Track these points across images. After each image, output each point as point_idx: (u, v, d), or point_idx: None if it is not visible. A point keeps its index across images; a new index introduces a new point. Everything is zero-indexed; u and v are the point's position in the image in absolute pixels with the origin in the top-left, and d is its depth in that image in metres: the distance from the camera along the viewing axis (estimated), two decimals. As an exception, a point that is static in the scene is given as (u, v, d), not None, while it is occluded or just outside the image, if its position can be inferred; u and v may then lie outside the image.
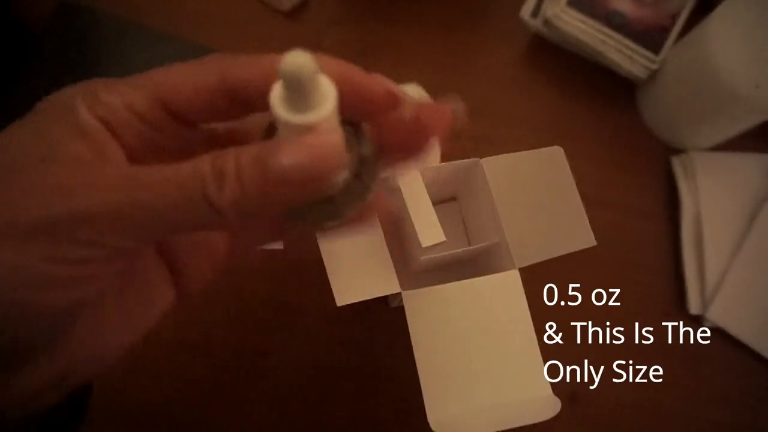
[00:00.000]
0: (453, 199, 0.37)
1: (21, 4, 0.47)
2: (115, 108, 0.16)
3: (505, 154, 0.27)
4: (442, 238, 0.27)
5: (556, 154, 0.27)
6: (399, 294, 0.26)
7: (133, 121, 0.16)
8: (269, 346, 0.38)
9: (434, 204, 0.27)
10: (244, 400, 0.38)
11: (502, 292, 0.26)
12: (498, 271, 0.27)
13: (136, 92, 0.16)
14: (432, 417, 0.24)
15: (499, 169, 0.27)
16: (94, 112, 0.16)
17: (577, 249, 0.26)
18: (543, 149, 0.27)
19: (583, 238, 0.26)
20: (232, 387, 0.38)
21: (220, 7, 0.47)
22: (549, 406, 0.25)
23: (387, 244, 0.26)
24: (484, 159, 0.27)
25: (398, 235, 0.29)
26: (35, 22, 0.45)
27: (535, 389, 0.26)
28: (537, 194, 0.27)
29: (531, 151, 0.27)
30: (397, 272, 0.26)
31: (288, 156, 0.14)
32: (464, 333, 0.26)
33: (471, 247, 0.28)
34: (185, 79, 0.16)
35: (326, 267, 0.25)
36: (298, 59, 0.14)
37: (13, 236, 0.13)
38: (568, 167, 0.27)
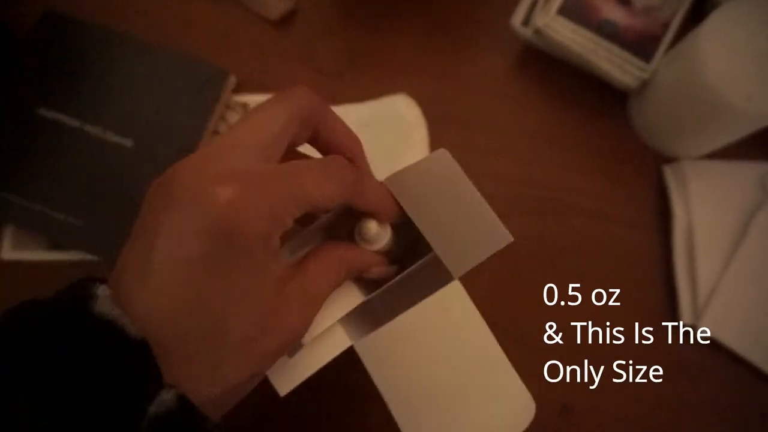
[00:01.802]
0: None
1: (6, 12, 0.46)
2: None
3: (401, 168, 0.26)
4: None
5: (444, 156, 0.26)
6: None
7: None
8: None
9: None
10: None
11: (450, 308, 0.26)
12: (437, 287, 0.26)
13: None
14: None
15: (401, 184, 0.26)
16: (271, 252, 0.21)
17: (498, 248, 0.25)
18: (429, 155, 0.26)
19: (501, 236, 0.25)
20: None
21: (206, 16, 0.47)
22: (526, 411, 0.25)
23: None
24: (386, 178, 0.26)
25: None
26: (20, 30, 0.45)
27: (511, 394, 0.25)
28: (443, 202, 0.26)
29: (421, 159, 0.26)
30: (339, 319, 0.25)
31: (375, 272, 0.27)
32: (426, 361, 0.25)
33: (404, 272, 0.27)
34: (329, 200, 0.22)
35: None
36: (372, 230, 0.25)
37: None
38: (459, 168, 0.25)
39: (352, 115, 0.42)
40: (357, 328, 0.26)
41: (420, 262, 0.27)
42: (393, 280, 0.26)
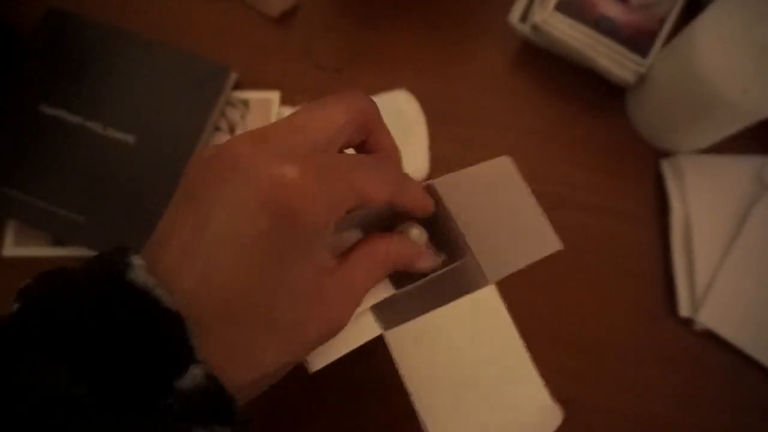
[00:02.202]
0: None
1: (9, 11, 0.46)
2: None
3: (456, 172, 0.26)
4: (413, 280, 0.27)
5: (504, 163, 0.26)
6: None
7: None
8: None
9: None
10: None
11: (483, 310, 0.26)
12: (471, 289, 0.26)
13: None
14: None
15: (453, 188, 0.26)
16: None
17: (545, 255, 0.26)
18: (491, 161, 0.26)
19: (549, 242, 0.26)
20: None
21: (208, 13, 0.47)
22: (552, 417, 0.25)
23: None
24: (436, 180, 0.26)
25: None
26: (23, 30, 0.45)
27: (535, 400, 0.26)
28: (494, 207, 0.26)
29: (480, 164, 0.26)
30: (371, 308, 0.25)
31: (422, 265, 0.26)
32: (453, 359, 0.26)
33: (441, 270, 0.27)
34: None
35: None
36: (415, 234, 0.25)
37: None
38: (519, 175, 0.26)
39: None
40: (388, 318, 0.26)
41: (457, 263, 0.27)
42: (428, 278, 0.27)
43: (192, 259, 0.19)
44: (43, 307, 0.18)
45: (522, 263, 0.26)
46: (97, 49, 0.44)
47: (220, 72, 0.43)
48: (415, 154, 0.41)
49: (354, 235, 0.26)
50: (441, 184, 0.26)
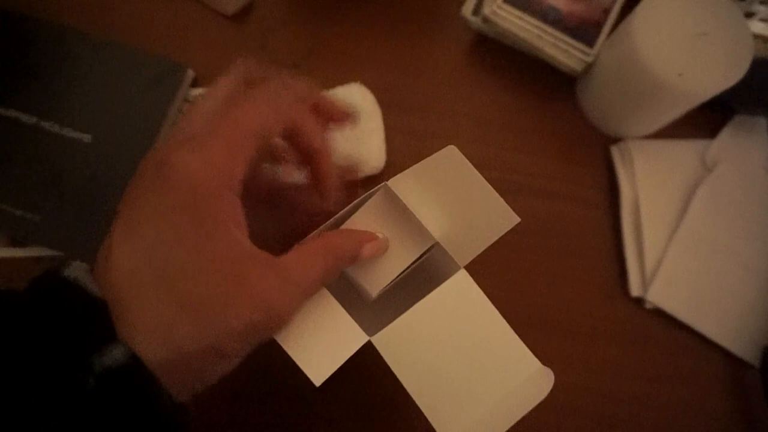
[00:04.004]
0: None
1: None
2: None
3: (407, 170, 0.27)
4: (387, 281, 0.28)
5: (452, 152, 0.27)
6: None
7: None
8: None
9: None
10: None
11: (459, 295, 0.27)
12: (444, 277, 0.27)
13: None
14: None
15: (407, 185, 0.28)
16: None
17: (505, 230, 0.27)
18: (438, 152, 0.27)
19: (507, 218, 0.27)
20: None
21: (162, 12, 0.47)
22: (544, 380, 0.26)
23: (336, 296, 0.26)
24: (390, 181, 0.27)
25: (342, 285, 0.29)
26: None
27: (526, 368, 0.27)
28: (450, 195, 0.28)
29: (428, 158, 0.27)
30: (354, 318, 0.26)
31: (369, 251, 0.27)
32: (442, 347, 0.26)
33: (412, 264, 0.29)
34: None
35: (288, 352, 0.25)
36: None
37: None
38: (466, 160, 0.27)
39: None
40: (371, 323, 0.27)
41: (423, 256, 0.28)
42: (400, 275, 0.28)
43: (110, 252, 0.21)
44: None
45: (487, 242, 0.28)
46: (50, 49, 0.44)
47: (176, 70, 0.43)
48: (371, 147, 0.42)
49: None
50: (395, 183, 0.28)
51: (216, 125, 0.23)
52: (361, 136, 0.42)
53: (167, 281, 0.21)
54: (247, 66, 0.26)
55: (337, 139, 0.42)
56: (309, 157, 0.27)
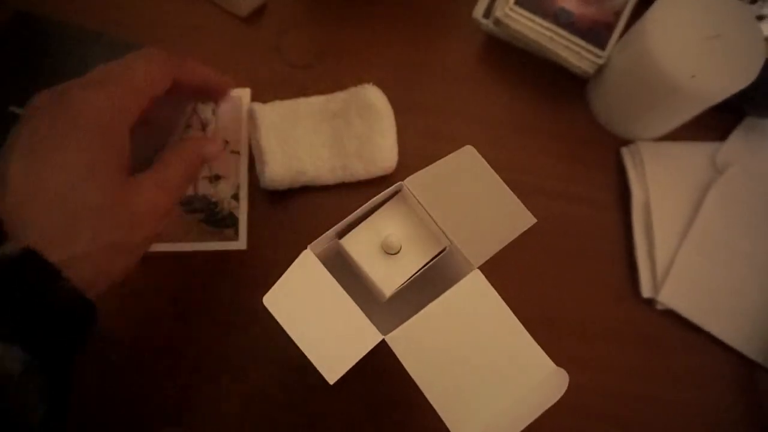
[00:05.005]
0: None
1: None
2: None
3: (424, 169, 0.28)
4: (402, 281, 0.28)
5: (469, 152, 0.28)
6: None
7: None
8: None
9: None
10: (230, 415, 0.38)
11: (473, 295, 0.27)
12: (458, 277, 0.27)
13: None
14: None
15: (424, 184, 0.28)
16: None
17: (520, 231, 0.27)
18: (456, 152, 0.28)
19: (523, 219, 0.27)
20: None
21: (177, 13, 0.47)
22: (559, 382, 0.26)
23: (350, 295, 0.26)
24: (407, 180, 0.28)
25: (356, 284, 0.29)
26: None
27: (541, 370, 0.27)
28: (466, 194, 0.28)
29: (446, 157, 0.28)
30: (368, 317, 0.26)
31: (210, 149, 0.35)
32: (456, 347, 0.26)
33: (426, 264, 0.29)
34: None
35: (303, 350, 0.25)
36: (394, 239, 0.29)
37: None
38: (484, 161, 0.28)
39: (322, 105, 0.43)
40: (385, 322, 0.27)
41: (440, 254, 0.28)
42: (414, 275, 0.28)
43: (13, 168, 0.26)
44: None
45: (502, 243, 0.28)
46: (65, 49, 0.44)
47: (190, 70, 0.44)
48: (383, 147, 0.42)
49: None
50: (411, 182, 0.28)
51: (118, 75, 0.30)
52: (374, 137, 0.42)
53: (68, 200, 0.26)
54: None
55: (352, 138, 0.42)
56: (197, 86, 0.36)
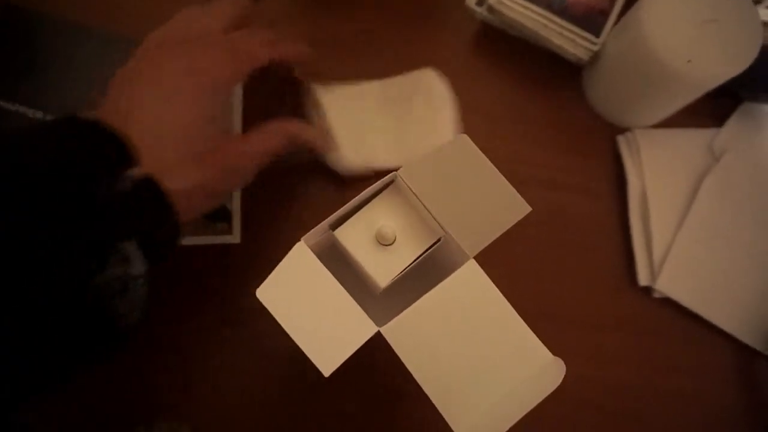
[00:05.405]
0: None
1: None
2: None
3: (418, 158, 0.27)
4: (396, 272, 0.28)
5: (463, 141, 0.27)
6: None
7: None
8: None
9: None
10: (235, 408, 0.38)
11: (469, 285, 0.27)
12: (453, 267, 0.27)
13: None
14: (459, 430, 0.25)
15: (418, 174, 0.27)
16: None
17: (516, 220, 0.27)
18: (450, 141, 0.27)
19: (518, 208, 0.27)
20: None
21: (168, 6, 0.47)
22: (555, 371, 0.26)
23: (345, 287, 0.26)
24: (401, 170, 0.27)
25: (351, 276, 0.29)
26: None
27: (537, 359, 0.26)
28: (461, 184, 0.27)
29: (440, 146, 0.27)
30: (363, 308, 0.26)
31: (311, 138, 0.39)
32: (452, 338, 0.26)
33: (421, 255, 0.28)
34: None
35: (298, 343, 0.25)
36: (388, 230, 0.28)
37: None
38: (478, 150, 0.27)
39: (380, 89, 0.43)
40: (380, 313, 0.27)
41: (432, 248, 0.28)
42: (409, 267, 0.28)
43: (136, 102, 0.30)
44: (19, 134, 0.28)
45: (497, 232, 0.27)
46: (57, 44, 0.43)
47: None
48: (444, 131, 0.42)
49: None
50: (406, 172, 0.27)
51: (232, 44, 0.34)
52: (434, 121, 0.42)
53: (182, 140, 0.30)
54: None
55: (412, 123, 0.42)
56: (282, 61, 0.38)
